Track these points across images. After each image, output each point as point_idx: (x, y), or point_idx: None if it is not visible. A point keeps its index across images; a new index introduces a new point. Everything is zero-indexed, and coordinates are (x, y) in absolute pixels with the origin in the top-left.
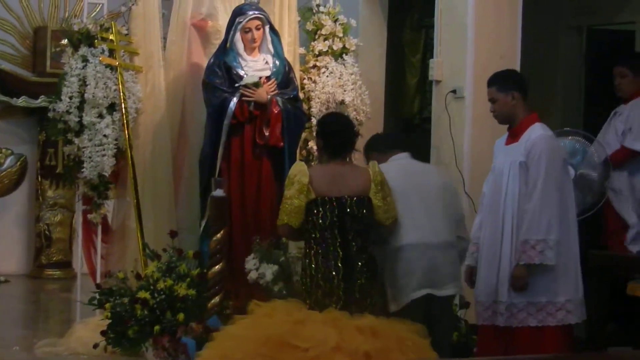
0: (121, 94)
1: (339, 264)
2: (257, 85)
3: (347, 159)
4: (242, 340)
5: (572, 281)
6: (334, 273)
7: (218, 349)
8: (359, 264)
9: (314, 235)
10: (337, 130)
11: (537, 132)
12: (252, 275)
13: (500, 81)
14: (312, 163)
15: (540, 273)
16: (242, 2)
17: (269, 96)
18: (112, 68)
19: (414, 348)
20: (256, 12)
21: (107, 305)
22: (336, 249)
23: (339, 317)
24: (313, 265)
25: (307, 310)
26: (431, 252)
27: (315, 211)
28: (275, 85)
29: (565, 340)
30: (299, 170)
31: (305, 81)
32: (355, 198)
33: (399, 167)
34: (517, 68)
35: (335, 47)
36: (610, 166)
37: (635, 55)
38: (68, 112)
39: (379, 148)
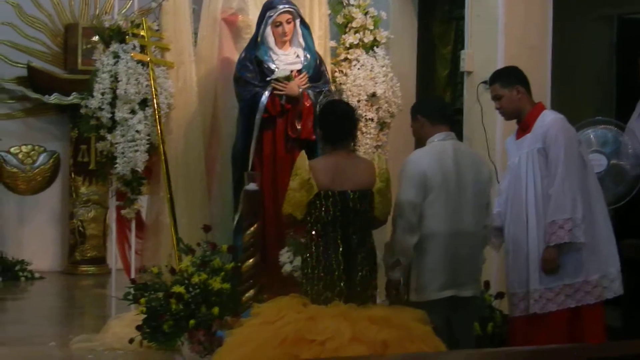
0: (153, 89)
1: (340, 257)
2: (288, 78)
3: (351, 150)
4: (258, 344)
5: (603, 257)
6: (334, 265)
7: (232, 356)
8: (359, 257)
9: (315, 228)
10: (335, 119)
11: (549, 117)
12: (287, 268)
13: (503, 77)
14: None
15: (570, 253)
16: None
17: (300, 89)
18: (144, 64)
19: (421, 336)
20: (286, 6)
21: (142, 300)
22: (337, 242)
23: (347, 309)
24: (314, 258)
25: (313, 305)
26: (459, 243)
27: (317, 204)
28: (307, 79)
29: (602, 316)
30: (301, 165)
31: (337, 74)
32: (357, 192)
33: (437, 152)
34: (548, 59)
35: (366, 40)
36: None
37: None
38: (100, 109)
39: (429, 115)
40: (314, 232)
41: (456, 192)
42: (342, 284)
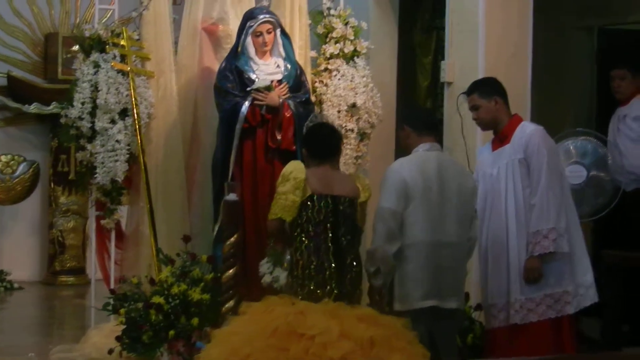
0: (133, 99)
1: (331, 257)
2: (268, 88)
3: (336, 166)
4: (248, 336)
5: (579, 266)
6: (326, 265)
7: (222, 347)
8: (349, 258)
9: (307, 230)
10: (322, 139)
11: (529, 127)
12: (266, 279)
13: (481, 88)
14: None
15: (552, 262)
16: (253, 6)
17: (280, 100)
18: (124, 73)
19: (407, 338)
20: (267, 16)
21: (122, 310)
22: (328, 243)
23: (337, 307)
24: (305, 257)
25: (303, 301)
26: (442, 253)
27: (310, 206)
28: (287, 89)
29: (575, 325)
30: (295, 168)
31: (317, 84)
32: (347, 198)
33: (420, 161)
34: (529, 68)
35: (346, 50)
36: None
37: (633, 57)
38: (80, 118)
39: (415, 125)
40: (304, 234)
41: (438, 202)
42: (332, 284)
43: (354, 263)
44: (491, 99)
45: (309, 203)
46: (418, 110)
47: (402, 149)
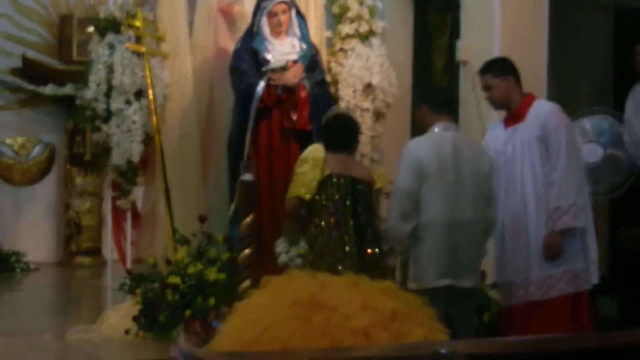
0: (148, 80)
1: (351, 232)
2: (284, 68)
3: (352, 154)
4: (269, 307)
5: (593, 243)
6: (346, 238)
7: (243, 318)
8: (368, 233)
9: (326, 206)
10: (338, 131)
11: (546, 105)
12: (282, 258)
13: (494, 67)
14: None
15: (571, 238)
16: None
17: (296, 80)
18: (139, 55)
19: (427, 313)
20: None
21: (138, 290)
22: (348, 219)
23: (358, 279)
24: (326, 233)
25: (324, 274)
26: (457, 232)
27: (329, 184)
28: (303, 69)
29: (592, 303)
30: (315, 149)
31: (332, 64)
32: (364, 180)
33: (435, 141)
34: (544, 49)
35: (361, 30)
36: None
37: None
38: (96, 100)
39: (433, 104)
40: (324, 210)
41: (454, 182)
42: (353, 257)
43: (374, 238)
44: (504, 78)
45: (327, 182)
46: (436, 89)
47: (419, 128)
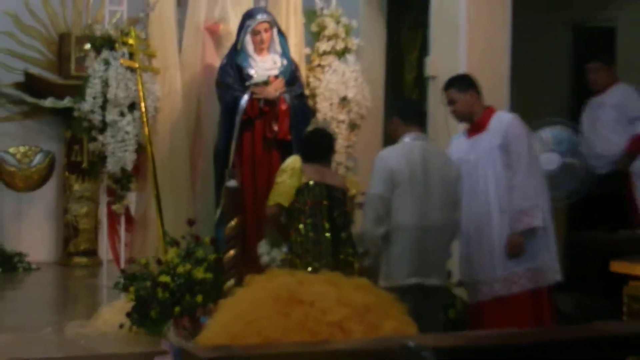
0: (141, 93)
1: (326, 234)
2: (266, 83)
3: (328, 165)
4: (252, 303)
5: (552, 241)
6: (322, 239)
7: (228, 313)
8: (343, 235)
9: (304, 211)
10: (314, 143)
11: (506, 116)
12: (264, 259)
13: (457, 83)
14: None
15: (532, 239)
16: (252, 6)
17: (277, 93)
18: (132, 70)
19: (398, 307)
20: (264, 16)
21: (131, 288)
22: (323, 221)
23: (334, 277)
24: (304, 235)
25: (302, 272)
26: (425, 235)
27: (306, 191)
28: (283, 83)
29: (553, 299)
30: (293, 160)
31: (311, 79)
32: (339, 187)
33: (406, 150)
34: (508, 63)
35: (338, 47)
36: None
37: (604, 51)
38: (92, 112)
39: (403, 115)
40: (302, 215)
41: (423, 189)
42: (328, 257)
43: (349, 240)
44: (466, 92)
45: (304, 189)
46: (406, 102)
47: (391, 138)
